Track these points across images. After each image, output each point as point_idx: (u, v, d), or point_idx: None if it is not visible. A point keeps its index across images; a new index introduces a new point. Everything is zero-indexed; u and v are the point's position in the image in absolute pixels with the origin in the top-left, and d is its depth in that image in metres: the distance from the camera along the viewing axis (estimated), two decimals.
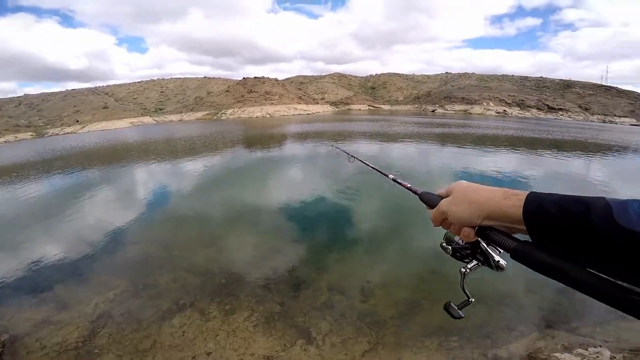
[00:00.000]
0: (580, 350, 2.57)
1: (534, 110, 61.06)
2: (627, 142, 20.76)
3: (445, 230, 0.60)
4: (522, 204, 0.45)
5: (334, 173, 9.73)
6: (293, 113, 51.24)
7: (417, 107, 68.38)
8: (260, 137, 21.54)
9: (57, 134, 40.83)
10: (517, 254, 0.47)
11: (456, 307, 0.56)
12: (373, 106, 73.00)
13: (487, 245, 0.53)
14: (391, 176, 0.89)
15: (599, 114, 60.10)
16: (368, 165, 1.06)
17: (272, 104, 54.01)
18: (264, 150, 15.31)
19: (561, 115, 59.98)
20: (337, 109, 66.61)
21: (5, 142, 35.02)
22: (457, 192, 0.55)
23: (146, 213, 6.74)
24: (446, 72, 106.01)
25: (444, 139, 19.04)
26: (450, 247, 0.59)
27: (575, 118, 58.59)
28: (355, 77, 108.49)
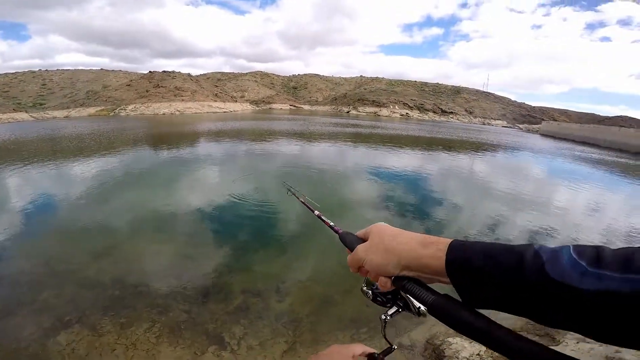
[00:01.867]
0: None
1: (431, 114, 70.57)
2: (499, 141, 25.94)
3: None
4: (443, 254, 0.42)
5: (247, 176, 9.55)
6: (207, 111, 48.23)
7: (334, 108, 71.94)
8: (166, 136, 19.55)
9: None
10: (435, 310, 0.43)
11: (380, 356, 0.54)
12: (294, 106, 74.03)
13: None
14: (316, 212, 0.86)
15: (480, 117, 72.85)
16: (298, 199, 1.05)
17: (182, 100, 49.69)
18: (171, 150, 13.86)
19: (452, 117, 70.79)
20: (258, 108, 65.45)
21: None
22: (375, 238, 0.51)
23: (22, 224, 5.55)
24: (361, 76, 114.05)
25: (356, 138, 20.58)
26: (370, 292, 0.56)
27: (462, 120, 69.79)
28: (278, 76, 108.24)
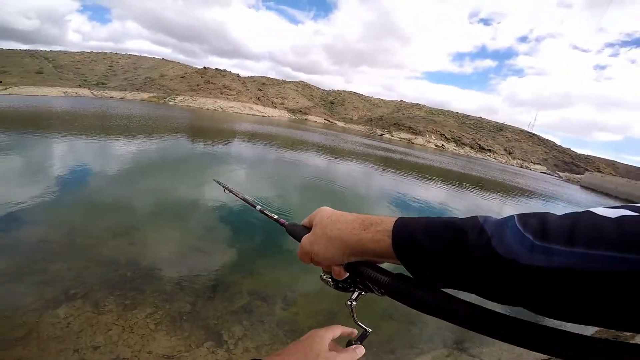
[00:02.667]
0: None
1: (468, 148, 68.47)
2: (534, 188, 24.52)
3: None
4: (384, 236, 0.40)
5: (279, 180, 9.77)
6: (247, 112, 50.18)
7: (367, 129, 71.91)
8: (208, 130, 20.56)
9: None
10: (392, 291, 0.42)
11: (357, 342, 0.53)
12: (329, 120, 75.01)
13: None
14: (259, 207, 0.81)
15: (519, 159, 69.66)
16: (237, 196, 0.98)
17: (227, 99, 52.22)
18: (206, 145, 14.55)
19: (488, 155, 68.17)
20: (294, 117, 66.95)
21: None
22: (317, 227, 0.49)
23: (55, 192, 5.94)
24: (401, 100, 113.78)
25: (385, 162, 20.39)
26: (330, 280, 0.53)
27: (499, 160, 66.96)
28: (318, 88, 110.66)
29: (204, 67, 66.85)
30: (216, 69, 65.72)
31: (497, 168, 42.77)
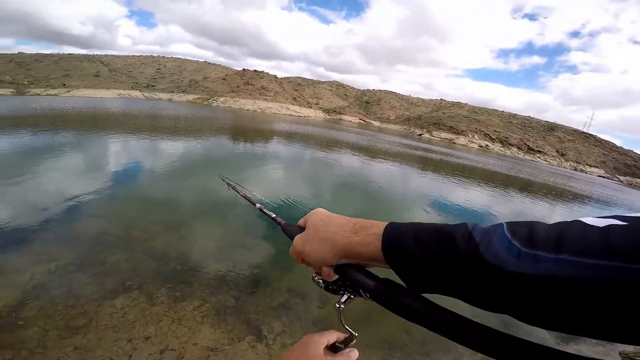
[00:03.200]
0: None
1: (515, 149, 63.97)
2: (590, 192, 22.19)
3: None
4: (374, 240, 0.41)
5: (316, 178, 9.79)
6: (284, 112, 51.31)
7: (405, 129, 70.04)
8: (249, 131, 21.31)
9: (38, 94, 39.02)
10: (378, 296, 0.42)
11: (342, 347, 0.52)
12: (364, 120, 74.24)
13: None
14: (258, 206, 0.83)
15: (573, 161, 63.77)
16: (239, 193, 0.99)
17: (265, 99, 53.79)
18: (249, 144, 15.12)
19: (538, 157, 63.12)
20: (328, 117, 67.22)
21: None
22: (310, 227, 0.50)
23: (112, 187, 6.44)
24: (441, 99, 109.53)
25: (424, 163, 19.64)
26: (321, 281, 0.53)
27: (550, 162, 61.76)
28: (353, 88, 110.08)
29: (243, 69, 69.51)
30: (254, 70, 68.02)
31: (548, 171, 39.43)
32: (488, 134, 66.94)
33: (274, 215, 0.73)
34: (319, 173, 10.80)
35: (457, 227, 0.35)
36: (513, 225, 0.33)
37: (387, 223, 0.42)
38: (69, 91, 45.57)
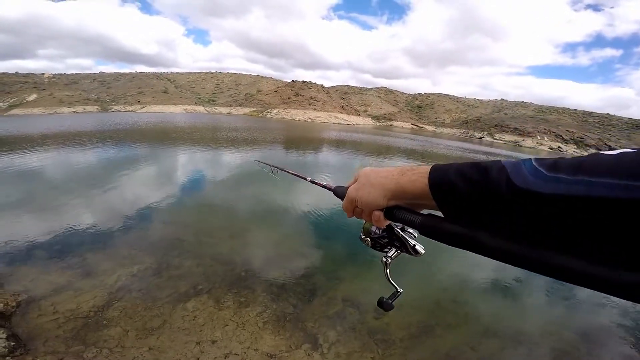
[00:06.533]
0: None
1: (593, 150, 55.93)
2: None
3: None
4: (420, 177, 0.45)
5: None
6: (333, 121, 51.87)
7: (463, 132, 65.83)
8: (302, 139, 22.01)
9: (119, 111, 45.19)
10: (425, 228, 0.46)
11: (388, 300, 0.54)
12: (417, 125, 71.56)
13: (402, 231, 0.54)
14: (309, 178, 0.89)
15: None
16: (288, 172, 1.05)
17: (314, 109, 55.00)
18: (301, 151, 15.60)
19: None
20: (378, 124, 66.20)
21: (74, 112, 40.16)
22: (362, 177, 0.55)
23: (182, 196, 7.05)
24: (502, 99, 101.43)
25: None
26: (369, 239, 0.58)
27: None
28: (403, 93, 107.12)
29: (292, 81, 72.08)
30: (303, 81, 70.04)
31: None
32: (560, 135, 59.79)
33: (324, 183, 0.77)
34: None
35: (493, 162, 0.39)
36: (540, 158, 0.37)
37: (433, 164, 0.46)
38: (143, 107, 51.90)
